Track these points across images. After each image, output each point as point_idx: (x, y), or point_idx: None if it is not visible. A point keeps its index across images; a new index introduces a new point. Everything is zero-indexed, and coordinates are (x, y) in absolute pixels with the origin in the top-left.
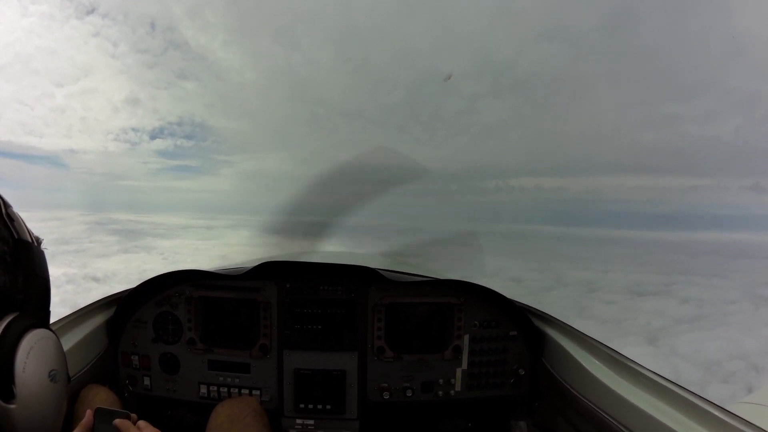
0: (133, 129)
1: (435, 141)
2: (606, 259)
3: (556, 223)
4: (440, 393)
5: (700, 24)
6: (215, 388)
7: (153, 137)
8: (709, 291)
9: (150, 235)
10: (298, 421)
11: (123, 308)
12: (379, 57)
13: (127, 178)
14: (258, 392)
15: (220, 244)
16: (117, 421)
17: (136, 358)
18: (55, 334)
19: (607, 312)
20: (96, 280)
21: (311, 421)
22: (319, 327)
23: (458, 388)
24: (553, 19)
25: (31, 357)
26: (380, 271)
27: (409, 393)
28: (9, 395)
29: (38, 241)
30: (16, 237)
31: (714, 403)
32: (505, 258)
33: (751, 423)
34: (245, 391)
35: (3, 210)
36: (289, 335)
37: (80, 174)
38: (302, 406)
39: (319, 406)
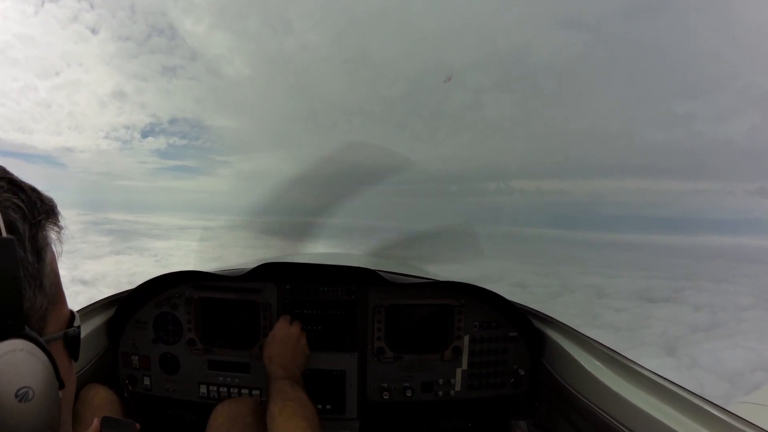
0: (125, 126)
1: (437, 139)
2: (611, 264)
3: (559, 226)
4: (440, 393)
5: (720, 16)
6: (215, 388)
7: (145, 135)
8: (721, 297)
9: (145, 236)
10: None
11: (123, 309)
12: (378, 46)
13: (124, 177)
14: (258, 392)
15: (215, 246)
16: None
17: (136, 358)
18: (38, 341)
19: (620, 320)
20: (84, 283)
21: None
22: (319, 328)
23: (458, 388)
24: (569, 5)
25: None
26: (380, 273)
27: (409, 393)
28: None
29: (32, 230)
30: None
31: (714, 403)
32: (509, 261)
33: (751, 423)
34: (245, 391)
35: None
36: None
37: (78, 173)
38: None
39: (319, 406)
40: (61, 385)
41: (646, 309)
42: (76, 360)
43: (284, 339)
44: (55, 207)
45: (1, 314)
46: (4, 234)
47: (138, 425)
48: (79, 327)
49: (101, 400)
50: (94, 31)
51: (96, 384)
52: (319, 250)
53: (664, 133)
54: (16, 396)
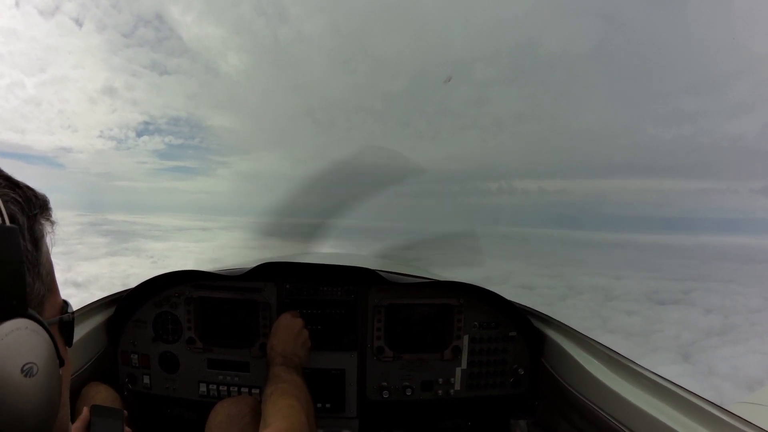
0: (118, 126)
1: (440, 136)
2: (616, 264)
3: (562, 226)
4: (440, 392)
5: (736, 9)
6: (214, 387)
7: (140, 134)
8: (731, 299)
9: (143, 237)
10: None
11: (123, 308)
12: (379, 37)
13: (123, 178)
14: (257, 391)
15: (213, 247)
16: None
17: (136, 357)
18: (41, 321)
19: (631, 324)
20: (76, 285)
21: None
22: (319, 327)
23: (458, 387)
24: None
25: None
26: (380, 273)
27: (408, 392)
28: None
29: (29, 222)
30: None
31: (714, 403)
32: (513, 262)
33: (751, 423)
34: (245, 390)
35: None
36: None
37: (77, 174)
38: None
39: (319, 405)
40: (62, 363)
41: (657, 312)
42: (70, 345)
43: (286, 329)
44: (48, 203)
45: (7, 296)
46: (8, 223)
47: (126, 412)
48: (73, 313)
49: (103, 398)
50: (78, 22)
51: (98, 382)
52: (318, 251)
53: (672, 131)
54: (22, 371)
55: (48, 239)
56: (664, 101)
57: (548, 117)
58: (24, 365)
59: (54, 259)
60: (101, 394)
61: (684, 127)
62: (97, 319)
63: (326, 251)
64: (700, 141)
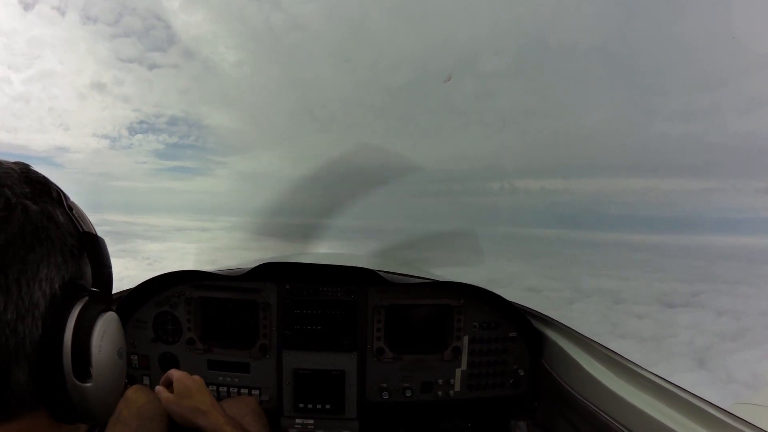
0: (111, 124)
1: (442, 133)
2: (622, 266)
3: (565, 226)
4: (439, 393)
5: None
6: (215, 388)
7: (133, 132)
8: (741, 301)
9: (141, 238)
10: (298, 420)
11: (122, 308)
12: (378, 25)
13: (122, 178)
14: (257, 392)
15: (211, 248)
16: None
17: (136, 358)
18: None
19: (643, 328)
20: None
21: (311, 421)
22: (319, 327)
23: (457, 388)
24: None
25: (105, 339)
26: (380, 273)
27: (408, 393)
28: (86, 375)
29: None
30: (82, 230)
31: (714, 404)
32: (517, 264)
33: (751, 423)
34: (245, 391)
35: (64, 203)
36: (288, 335)
37: (75, 174)
38: (301, 405)
39: (319, 406)
40: None
41: (668, 315)
42: None
43: (202, 386)
44: None
45: (105, 293)
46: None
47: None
48: None
49: (143, 402)
50: (60, 11)
51: (140, 386)
52: (318, 251)
53: (681, 128)
54: (118, 353)
55: None
56: (675, 97)
57: (555, 113)
58: (119, 349)
59: None
60: (141, 398)
61: (693, 124)
62: None
63: (326, 251)
64: (709, 138)
